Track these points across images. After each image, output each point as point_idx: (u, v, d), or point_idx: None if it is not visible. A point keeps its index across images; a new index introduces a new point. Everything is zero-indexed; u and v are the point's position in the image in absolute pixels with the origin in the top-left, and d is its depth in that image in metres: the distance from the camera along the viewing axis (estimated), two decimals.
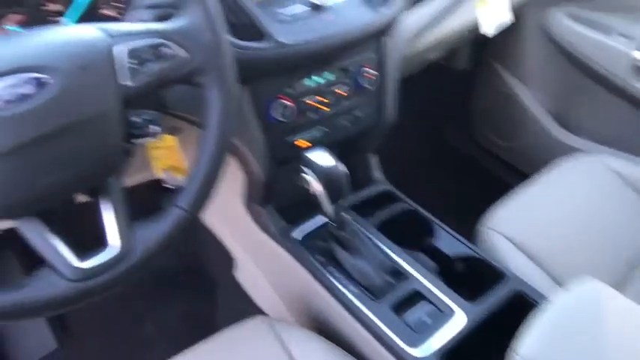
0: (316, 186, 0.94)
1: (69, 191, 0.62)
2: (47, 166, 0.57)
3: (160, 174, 0.94)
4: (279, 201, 1.16)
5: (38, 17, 0.87)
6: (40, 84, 0.56)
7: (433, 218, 1.19)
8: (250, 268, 1.32)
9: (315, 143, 1.08)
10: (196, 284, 1.64)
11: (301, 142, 1.06)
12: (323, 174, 0.94)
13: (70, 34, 0.60)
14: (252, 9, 0.89)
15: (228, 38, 0.70)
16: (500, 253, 1.14)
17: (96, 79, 0.59)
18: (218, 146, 0.69)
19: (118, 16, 0.94)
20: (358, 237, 1.05)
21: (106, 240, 0.64)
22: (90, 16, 0.91)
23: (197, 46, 0.66)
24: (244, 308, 1.32)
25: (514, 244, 1.16)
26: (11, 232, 0.66)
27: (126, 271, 0.64)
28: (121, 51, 0.61)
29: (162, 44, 0.64)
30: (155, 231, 0.66)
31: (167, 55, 0.64)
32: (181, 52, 0.65)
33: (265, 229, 1.14)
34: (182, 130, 0.96)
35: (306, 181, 0.94)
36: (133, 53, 0.62)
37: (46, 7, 0.88)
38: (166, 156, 0.86)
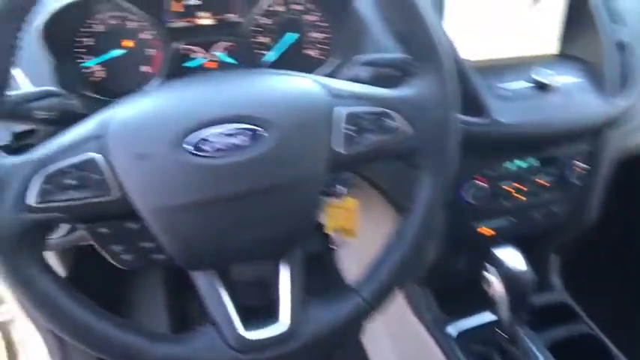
0: (498, 288, 0.80)
1: (258, 252, 0.56)
2: (244, 222, 0.52)
3: (328, 231, 0.87)
4: (440, 283, 1.03)
5: (245, 47, 0.85)
6: (254, 137, 0.50)
7: (618, 352, 0.98)
8: (384, 343, 1.20)
9: (499, 233, 0.94)
10: None
11: (484, 230, 0.93)
12: (509, 277, 0.80)
13: (289, 86, 0.54)
14: (473, 79, 0.79)
15: (459, 116, 0.60)
16: None
17: (310, 141, 0.52)
18: (416, 239, 0.59)
19: (321, 57, 0.90)
20: (529, 357, 0.88)
21: (277, 312, 0.57)
22: (293, 53, 0.88)
23: (424, 121, 0.56)
24: None
25: None
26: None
27: (291, 352, 0.56)
28: (339, 113, 0.54)
29: (385, 114, 0.55)
30: (330, 315, 0.58)
31: (388, 127, 0.55)
32: (405, 126, 0.56)
33: (417, 312, 1.02)
34: (361, 188, 0.88)
35: (488, 281, 0.81)
36: (351, 118, 0.54)
37: (255, 39, 0.86)
38: (342, 216, 0.79)
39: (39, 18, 0.70)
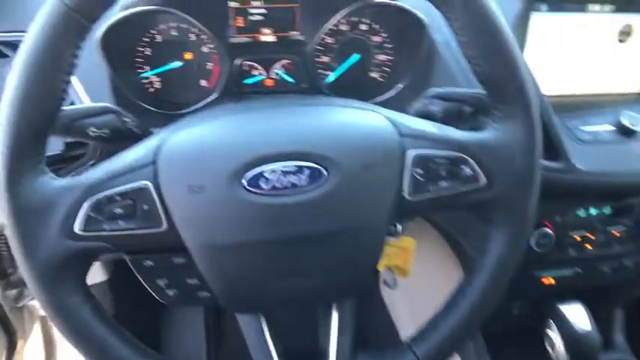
0: (559, 350, 0.73)
1: (309, 298, 0.52)
2: (297, 267, 0.48)
3: (380, 268, 0.82)
4: (491, 328, 0.96)
5: (306, 66, 0.81)
6: (314, 176, 0.46)
7: None
8: None
9: (561, 283, 0.87)
10: None
11: (546, 279, 0.86)
12: (574, 338, 0.73)
13: (356, 121, 0.50)
14: (552, 118, 0.72)
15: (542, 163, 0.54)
16: None
17: (375, 184, 0.48)
18: (481, 301, 0.53)
19: (384, 80, 0.85)
20: None
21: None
22: (354, 75, 0.83)
23: (505, 172, 0.50)
24: None
25: None
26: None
27: None
28: (409, 156, 0.49)
29: (460, 160, 0.50)
30: None
31: (463, 175, 0.50)
32: (481, 176, 0.50)
33: (466, 358, 0.95)
34: (419, 224, 0.83)
35: (551, 340, 0.74)
36: (421, 162, 0.49)
37: (319, 59, 0.83)
38: (396, 255, 0.74)
39: (98, 29, 0.69)
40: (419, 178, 0.49)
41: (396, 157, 0.48)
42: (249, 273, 0.47)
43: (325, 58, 0.83)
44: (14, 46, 0.70)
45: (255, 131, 0.47)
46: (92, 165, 0.66)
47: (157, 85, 0.80)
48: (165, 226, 0.46)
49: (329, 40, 0.81)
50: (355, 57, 0.82)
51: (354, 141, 0.48)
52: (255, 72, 0.81)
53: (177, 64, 0.79)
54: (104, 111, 0.55)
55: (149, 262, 0.48)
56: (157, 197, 0.45)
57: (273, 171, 0.45)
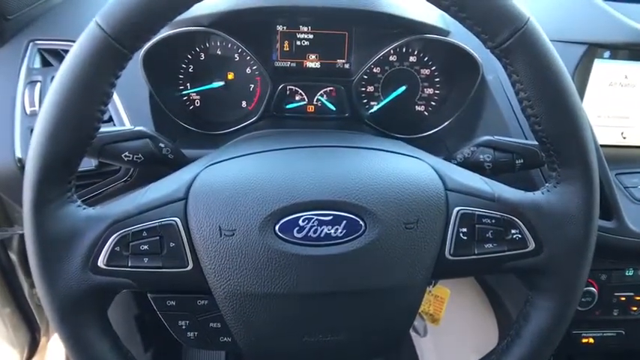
0: None
1: (336, 357, 0.49)
2: (326, 324, 0.46)
3: None
4: None
5: (350, 95, 0.79)
6: (350, 228, 0.43)
7: None
8: None
9: (602, 344, 0.82)
10: None
11: (586, 339, 0.81)
12: None
13: (400, 172, 0.46)
14: (608, 175, 0.67)
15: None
16: None
17: (416, 242, 0.45)
18: None
19: (428, 115, 0.82)
20: None
21: None
22: (398, 107, 0.80)
23: (556, 238, 0.47)
24: None
25: None
26: None
27: None
28: (454, 213, 0.46)
29: (510, 223, 0.46)
30: None
31: (510, 237, 0.46)
32: (530, 240, 0.47)
33: None
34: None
35: None
36: (468, 221, 0.46)
37: (363, 89, 0.80)
38: (429, 302, 0.70)
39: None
40: (463, 237, 0.46)
41: (440, 214, 0.45)
42: (274, 325, 0.45)
43: (370, 88, 0.80)
44: (60, 55, 0.70)
45: (293, 174, 0.45)
46: (125, 185, 0.65)
47: (197, 103, 0.79)
48: (190, 266, 0.44)
49: (375, 70, 0.79)
50: (402, 89, 0.80)
51: (397, 193, 0.45)
52: (297, 97, 0.79)
53: (219, 83, 0.78)
54: (138, 136, 0.53)
55: (172, 302, 0.46)
56: (185, 235, 0.43)
57: (308, 219, 0.43)
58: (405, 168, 0.47)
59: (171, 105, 0.75)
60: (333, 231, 0.43)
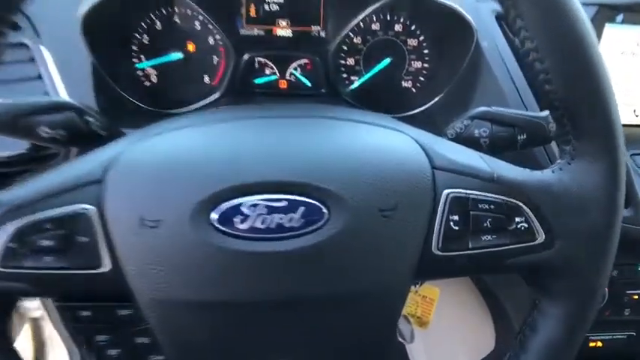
0: None
1: None
2: (281, 340, 0.37)
3: None
4: None
5: (326, 68, 0.69)
6: (311, 217, 0.34)
7: None
8: None
9: (611, 347, 0.74)
10: None
11: (593, 342, 0.72)
12: None
13: (376, 146, 0.37)
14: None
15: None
16: None
17: (394, 234, 0.35)
18: None
19: (416, 92, 0.72)
20: None
21: None
22: (382, 83, 0.71)
23: (571, 228, 0.37)
24: None
25: None
26: None
27: None
28: (443, 197, 0.36)
29: (513, 208, 0.37)
30: None
31: (514, 228, 0.37)
32: (538, 231, 0.37)
33: None
34: None
35: None
36: (459, 206, 0.36)
37: (343, 61, 0.71)
38: (416, 303, 0.61)
39: (81, 8, 0.58)
40: (454, 227, 0.36)
41: (425, 198, 0.36)
42: (214, 342, 0.35)
43: (350, 61, 0.71)
44: None
45: (237, 149, 0.35)
46: None
47: (154, 78, 0.69)
48: (108, 267, 0.34)
49: (356, 39, 0.70)
50: (386, 62, 0.70)
51: (369, 172, 0.35)
52: (267, 71, 0.70)
53: (177, 55, 0.68)
54: (59, 107, 0.44)
55: (86, 313, 0.36)
56: (101, 228, 0.34)
57: (254, 205, 0.33)
58: (380, 141, 0.37)
59: (122, 80, 0.66)
60: (287, 220, 0.33)
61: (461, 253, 0.37)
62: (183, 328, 0.35)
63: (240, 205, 0.33)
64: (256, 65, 0.69)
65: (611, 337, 0.73)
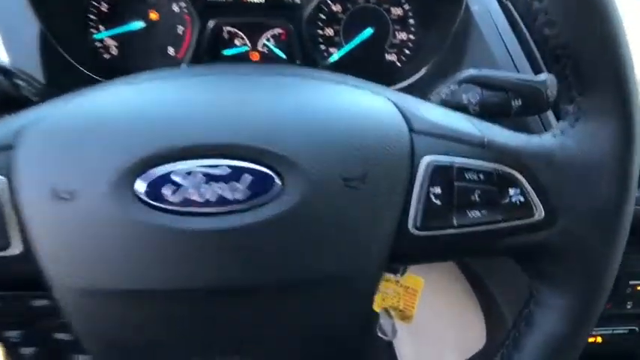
0: None
1: None
2: (222, 339, 0.31)
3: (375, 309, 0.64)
4: None
5: (303, 38, 0.63)
6: (259, 187, 0.28)
7: None
8: None
9: (610, 343, 0.69)
10: None
11: (594, 338, 0.67)
12: None
13: (343, 106, 0.31)
14: None
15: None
16: None
17: (364, 209, 0.29)
18: None
19: (401, 65, 0.66)
20: None
21: None
22: (365, 56, 0.65)
23: (576, 202, 0.31)
24: None
25: None
26: None
27: None
28: (422, 165, 0.30)
29: (506, 178, 0.31)
30: None
31: (507, 201, 0.31)
32: (537, 205, 0.31)
33: None
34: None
35: None
36: (442, 176, 0.30)
37: (321, 32, 0.64)
38: (398, 295, 0.56)
39: None
40: (436, 202, 0.30)
41: (401, 166, 0.30)
42: (143, 338, 0.29)
43: (329, 31, 0.65)
44: None
45: (170, 108, 0.29)
46: None
47: (114, 50, 0.63)
48: (18, 248, 0.28)
49: (335, 7, 0.63)
50: (368, 32, 0.65)
51: (332, 136, 0.29)
52: (237, 41, 0.64)
53: (139, 24, 0.62)
54: None
55: None
56: (9, 202, 0.28)
57: (189, 173, 0.27)
58: (347, 101, 0.31)
59: (78, 51, 0.60)
60: (229, 191, 0.27)
61: (444, 232, 0.31)
62: (105, 323, 0.29)
63: (170, 172, 0.27)
64: (225, 35, 0.63)
65: (611, 331, 0.68)
